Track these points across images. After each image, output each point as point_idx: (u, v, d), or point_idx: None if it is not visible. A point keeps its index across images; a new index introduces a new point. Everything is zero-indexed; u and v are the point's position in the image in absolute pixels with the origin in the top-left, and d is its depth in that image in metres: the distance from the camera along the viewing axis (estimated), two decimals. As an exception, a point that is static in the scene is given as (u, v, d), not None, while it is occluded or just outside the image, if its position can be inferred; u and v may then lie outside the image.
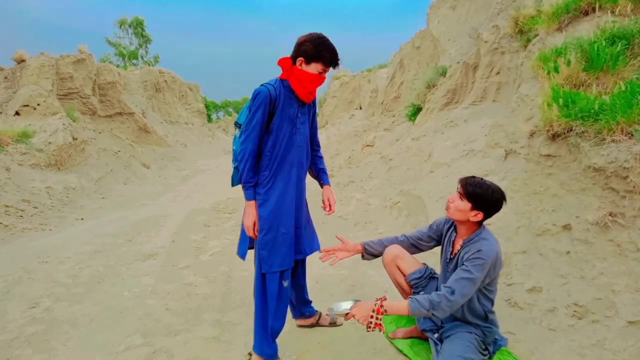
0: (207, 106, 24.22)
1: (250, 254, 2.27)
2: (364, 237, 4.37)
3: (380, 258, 2.31)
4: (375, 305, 1.83)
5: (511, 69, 5.24)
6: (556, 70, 3.06)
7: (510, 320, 2.38)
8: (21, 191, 6.19)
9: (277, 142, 2.08)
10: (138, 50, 26.63)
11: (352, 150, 8.44)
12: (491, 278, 1.95)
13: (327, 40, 2.01)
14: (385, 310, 1.83)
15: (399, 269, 2.25)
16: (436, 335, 2.12)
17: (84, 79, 10.87)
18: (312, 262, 2.74)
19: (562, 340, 2.12)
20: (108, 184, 8.53)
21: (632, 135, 2.21)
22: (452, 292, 1.82)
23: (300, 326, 2.57)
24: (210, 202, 7.04)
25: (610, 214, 2.21)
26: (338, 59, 2.03)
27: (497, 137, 3.96)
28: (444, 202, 3.90)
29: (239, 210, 6.27)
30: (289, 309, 2.35)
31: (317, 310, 2.59)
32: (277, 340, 2.22)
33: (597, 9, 3.56)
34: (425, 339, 2.27)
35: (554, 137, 2.62)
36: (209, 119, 25.46)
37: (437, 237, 2.22)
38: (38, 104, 8.96)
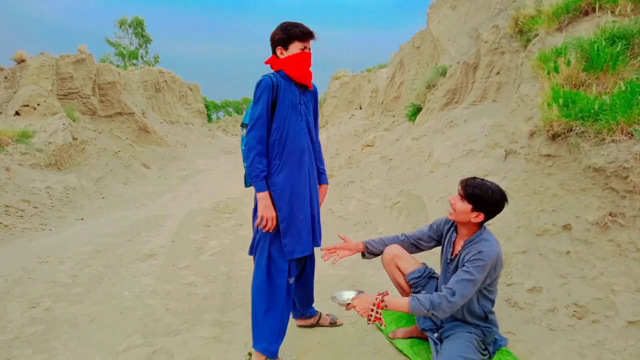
0: (207, 106, 24.20)
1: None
2: (364, 237, 4.36)
3: (380, 257, 2.31)
4: (377, 299, 1.84)
5: (511, 69, 5.23)
6: (556, 70, 3.06)
7: (510, 320, 2.38)
8: (21, 191, 6.19)
9: (284, 129, 2.09)
10: (138, 50, 26.61)
11: (352, 150, 8.44)
12: (492, 279, 1.95)
13: (292, 21, 2.11)
14: (386, 305, 1.84)
15: (398, 268, 2.25)
16: (436, 335, 2.12)
17: (84, 79, 10.87)
18: (312, 262, 2.73)
19: (562, 340, 2.12)
20: (108, 184, 8.53)
21: (632, 135, 2.21)
22: (453, 294, 1.82)
23: (300, 326, 2.57)
24: (210, 202, 7.04)
25: (610, 214, 2.21)
26: (310, 30, 2.10)
27: (497, 137, 3.96)
28: (444, 202, 3.90)
29: (239, 210, 6.27)
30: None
31: (317, 311, 2.58)
32: (277, 340, 2.21)
33: (597, 9, 3.56)
34: (425, 339, 2.27)
35: (554, 137, 2.62)
36: (209, 119, 25.44)
37: (437, 237, 2.22)
38: (38, 104, 8.96)
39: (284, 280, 2.14)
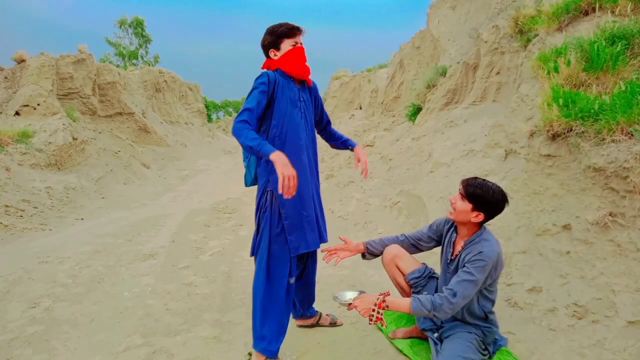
0: (207, 106, 24.19)
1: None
2: (364, 237, 4.37)
3: (380, 258, 2.31)
4: (378, 299, 1.85)
5: (511, 69, 5.23)
6: (556, 70, 3.06)
7: (510, 320, 2.38)
8: (21, 191, 6.19)
9: (284, 125, 2.09)
10: (138, 50, 26.59)
11: (352, 150, 8.42)
12: (492, 279, 1.95)
13: (276, 23, 2.16)
14: (387, 306, 1.84)
15: (398, 268, 2.25)
16: (436, 335, 2.12)
17: (84, 79, 10.87)
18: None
19: (562, 340, 2.12)
20: (108, 184, 8.53)
21: (632, 135, 2.21)
22: (454, 295, 1.82)
23: (300, 326, 2.56)
24: (210, 202, 7.04)
25: (610, 214, 2.21)
26: (296, 25, 2.14)
27: (497, 137, 3.96)
28: (444, 202, 3.90)
29: (239, 210, 6.27)
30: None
31: (317, 311, 2.58)
32: (277, 340, 2.21)
33: (597, 9, 3.56)
34: (425, 339, 2.27)
35: (554, 137, 2.62)
36: (209, 119, 25.43)
37: (437, 237, 2.22)
38: (38, 104, 8.96)
39: (285, 280, 2.13)
